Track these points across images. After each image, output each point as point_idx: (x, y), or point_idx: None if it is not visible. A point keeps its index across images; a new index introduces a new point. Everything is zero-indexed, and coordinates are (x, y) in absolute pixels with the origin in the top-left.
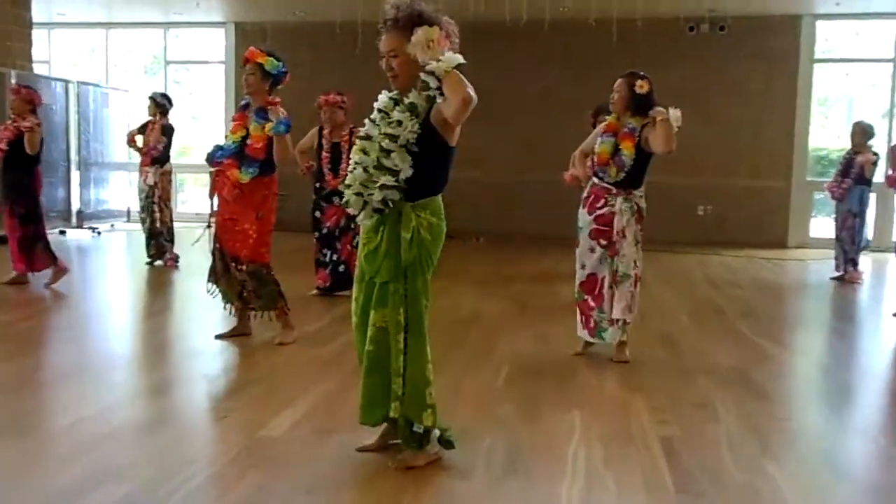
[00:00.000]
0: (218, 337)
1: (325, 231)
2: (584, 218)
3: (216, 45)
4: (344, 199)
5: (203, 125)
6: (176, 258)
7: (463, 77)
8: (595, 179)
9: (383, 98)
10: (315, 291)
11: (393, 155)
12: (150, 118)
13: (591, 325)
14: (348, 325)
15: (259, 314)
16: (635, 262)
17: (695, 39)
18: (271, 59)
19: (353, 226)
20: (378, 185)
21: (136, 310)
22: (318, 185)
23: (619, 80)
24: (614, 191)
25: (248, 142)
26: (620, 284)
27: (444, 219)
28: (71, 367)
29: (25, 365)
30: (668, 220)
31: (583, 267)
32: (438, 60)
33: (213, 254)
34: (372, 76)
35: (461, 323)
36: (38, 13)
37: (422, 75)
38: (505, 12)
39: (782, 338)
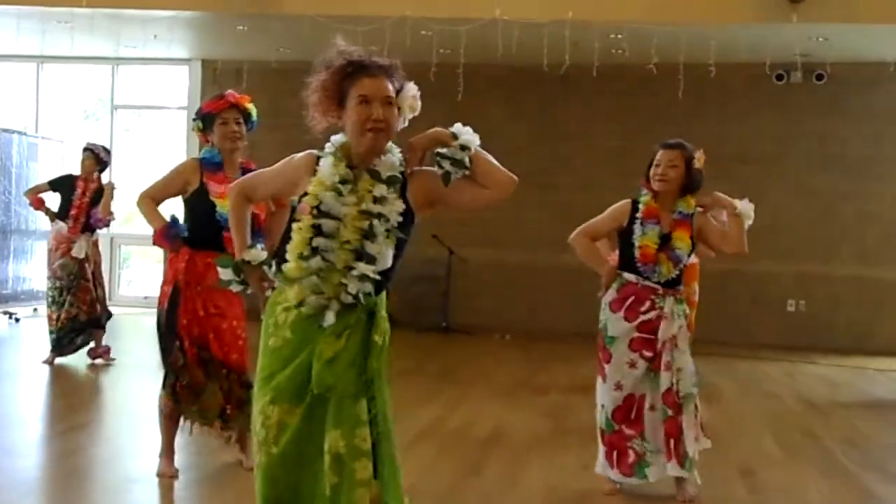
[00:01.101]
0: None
1: None
2: (619, 325)
3: (177, 86)
4: (291, 300)
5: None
6: (108, 350)
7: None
8: (629, 276)
9: (333, 165)
10: None
11: (378, 240)
12: (81, 175)
13: (630, 459)
14: None
15: (229, 438)
16: (694, 377)
17: (784, 91)
18: (253, 106)
19: None
20: (355, 274)
21: (52, 420)
22: None
23: (669, 152)
24: (661, 290)
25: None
26: (685, 408)
27: None
28: None
29: None
30: (750, 318)
31: (618, 388)
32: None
33: (184, 362)
34: None
35: (479, 444)
36: None
37: (446, 150)
38: (543, 56)
39: None
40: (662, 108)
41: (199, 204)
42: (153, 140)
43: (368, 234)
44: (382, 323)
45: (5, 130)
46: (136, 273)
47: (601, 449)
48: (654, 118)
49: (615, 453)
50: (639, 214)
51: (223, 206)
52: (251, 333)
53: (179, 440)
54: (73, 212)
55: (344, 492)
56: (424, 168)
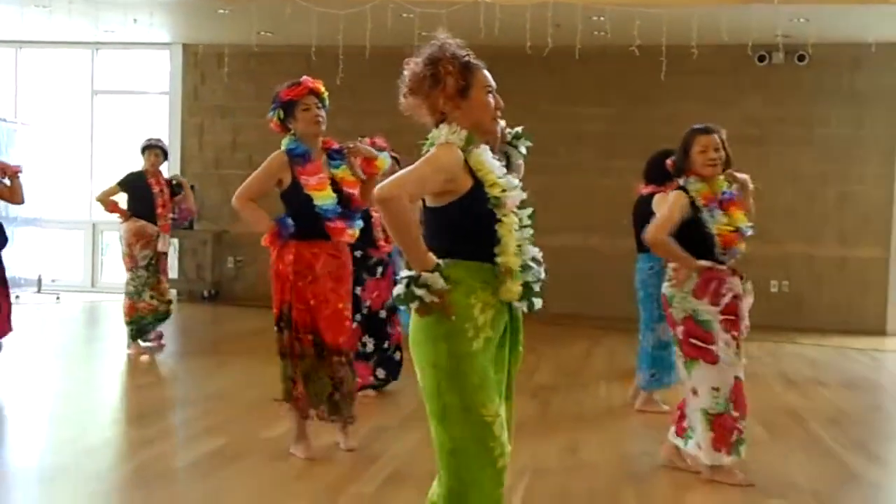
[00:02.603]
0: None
1: (365, 312)
2: (706, 309)
3: (158, 71)
4: (505, 291)
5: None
6: (161, 335)
7: None
8: (704, 262)
9: (491, 153)
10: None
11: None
12: (149, 171)
13: (733, 438)
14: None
15: (340, 423)
16: None
17: (766, 72)
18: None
19: None
20: (537, 255)
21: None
22: (360, 252)
23: (711, 137)
24: (729, 272)
25: (346, 192)
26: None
27: None
28: None
29: None
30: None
31: (730, 365)
32: None
33: (295, 349)
34: (357, 111)
35: None
36: None
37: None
38: (525, 38)
39: (879, 452)
40: (645, 90)
41: (296, 198)
42: (134, 125)
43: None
44: None
45: None
46: (118, 260)
47: (707, 436)
48: (637, 100)
49: (722, 435)
50: (700, 202)
51: (320, 198)
52: None
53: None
54: (159, 210)
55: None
56: None
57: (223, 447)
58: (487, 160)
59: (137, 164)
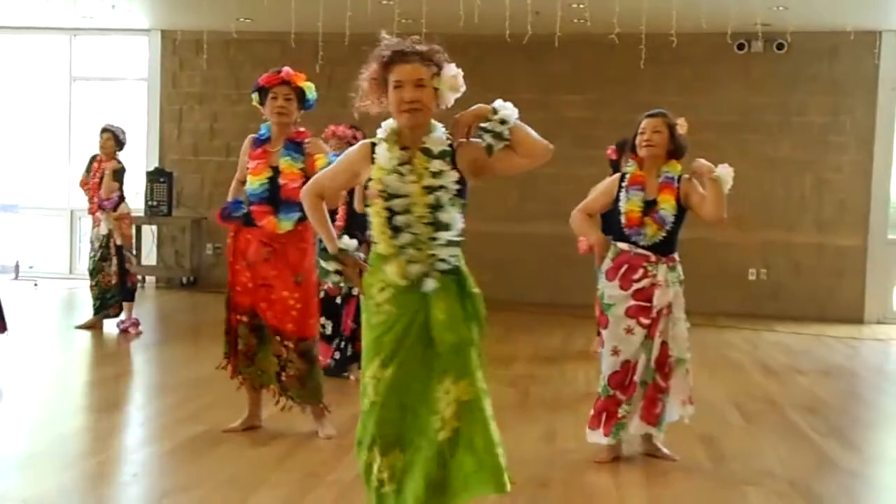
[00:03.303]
0: (226, 431)
1: (322, 296)
2: (615, 292)
3: (136, 57)
4: (389, 277)
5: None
6: (137, 323)
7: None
8: (622, 245)
9: (388, 150)
10: None
11: (447, 208)
12: (100, 155)
13: (613, 422)
14: (292, 416)
15: (289, 405)
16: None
17: (745, 60)
18: (310, 84)
19: (355, 291)
20: (440, 242)
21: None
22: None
23: (652, 120)
24: (653, 258)
25: (281, 181)
26: (676, 371)
27: None
28: None
29: None
30: (711, 286)
31: (615, 353)
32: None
33: (234, 327)
34: (335, 99)
35: None
36: None
37: (487, 125)
38: (504, 26)
39: (855, 440)
40: (625, 78)
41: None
42: (113, 112)
43: (436, 206)
44: (469, 276)
45: None
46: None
47: (596, 417)
48: (616, 88)
49: (603, 416)
50: (624, 183)
51: (250, 182)
52: None
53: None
54: (87, 192)
55: (482, 431)
56: (471, 140)
57: (202, 434)
58: (380, 154)
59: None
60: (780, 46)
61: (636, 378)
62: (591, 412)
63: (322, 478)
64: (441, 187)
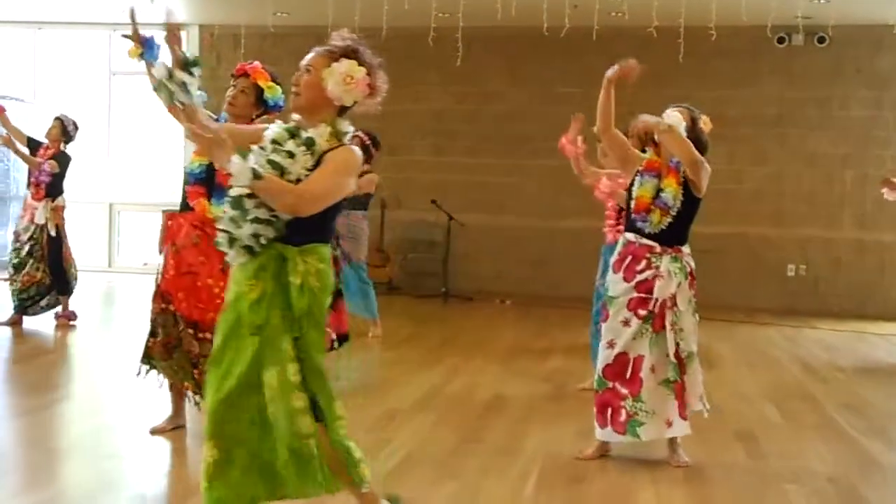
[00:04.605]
0: (153, 432)
1: None
2: (619, 285)
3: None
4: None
5: (156, 151)
6: (74, 315)
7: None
8: (630, 236)
9: (276, 128)
10: None
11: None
12: (46, 142)
13: (622, 418)
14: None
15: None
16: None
17: (786, 54)
18: (276, 87)
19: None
20: (249, 218)
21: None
22: None
23: (672, 110)
24: (658, 248)
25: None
26: (688, 367)
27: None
28: None
29: None
30: (750, 282)
31: (610, 345)
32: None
33: (155, 321)
34: None
35: (479, 410)
36: None
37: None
38: (542, 19)
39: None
40: (663, 72)
41: None
42: (151, 107)
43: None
44: (295, 266)
45: (3, 97)
46: (134, 240)
47: (594, 412)
48: (654, 82)
49: (609, 411)
50: (640, 168)
51: (191, 162)
52: None
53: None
54: (31, 178)
55: (287, 423)
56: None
57: None
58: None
59: (155, 144)
60: (821, 40)
61: (642, 373)
62: (594, 410)
63: None
64: (275, 164)
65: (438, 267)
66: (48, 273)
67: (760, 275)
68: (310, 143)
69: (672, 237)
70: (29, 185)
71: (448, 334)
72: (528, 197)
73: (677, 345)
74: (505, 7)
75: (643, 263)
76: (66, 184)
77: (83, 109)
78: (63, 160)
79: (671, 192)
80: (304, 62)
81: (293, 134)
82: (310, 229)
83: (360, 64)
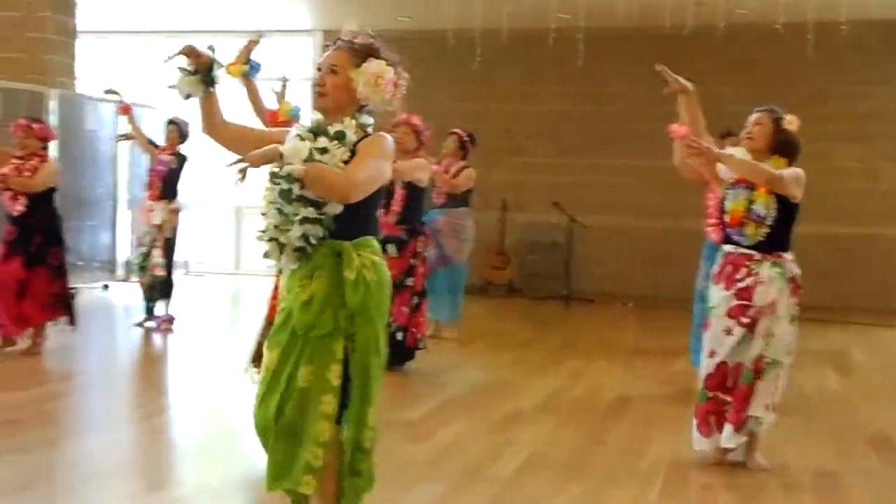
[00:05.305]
0: None
1: None
2: (719, 294)
3: (301, 56)
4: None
5: None
6: (171, 319)
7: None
8: (728, 247)
9: (299, 130)
10: None
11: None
12: (164, 146)
13: (740, 419)
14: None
15: None
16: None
17: None
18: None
19: (409, 281)
20: (298, 218)
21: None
22: None
23: (756, 114)
24: (757, 256)
25: None
26: (765, 374)
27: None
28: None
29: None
30: (881, 282)
31: (712, 355)
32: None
33: (268, 321)
34: (493, 94)
35: (602, 413)
36: (80, 20)
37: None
38: (665, 17)
39: None
40: (792, 69)
41: None
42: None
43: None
44: (350, 261)
45: (135, 105)
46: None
47: (693, 423)
48: (782, 81)
49: (712, 419)
50: (731, 178)
51: None
52: None
53: None
54: (149, 178)
55: (307, 424)
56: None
57: None
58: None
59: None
60: None
61: (741, 381)
62: (695, 421)
63: (479, 474)
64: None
65: (558, 269)
66: (158, 276)
67: (892, 275)
68: (341, 137)
69: (771, 245)
70: (147, 186)
71: (569, 337)
72: (648, 198)
73: (762, 354)
74: (627, 7)
75: (743, 272)
76: (188, 186)
77: (170, 116)
78: (180, 160)
79: (762, 202)
80: (326, 62)
81: (318, 132)
82: (358, 221)
83: (388, 63)
